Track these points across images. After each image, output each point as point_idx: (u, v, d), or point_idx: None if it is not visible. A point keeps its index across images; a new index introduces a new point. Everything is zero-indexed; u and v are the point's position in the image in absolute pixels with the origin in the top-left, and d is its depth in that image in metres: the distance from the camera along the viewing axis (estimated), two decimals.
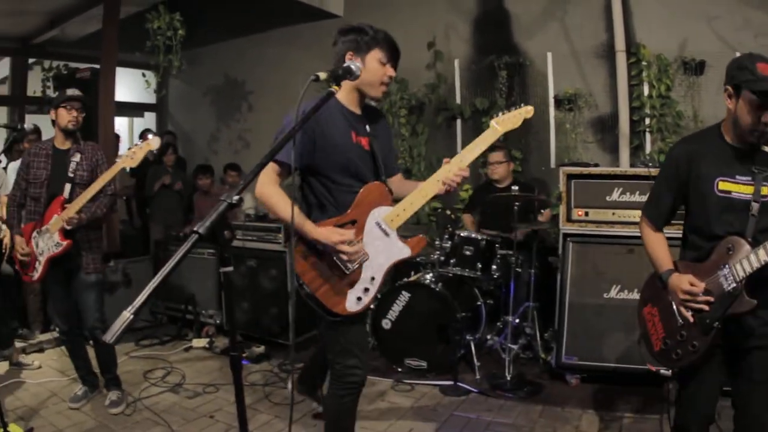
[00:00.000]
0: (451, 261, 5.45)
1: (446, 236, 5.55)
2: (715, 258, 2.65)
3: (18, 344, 5.73)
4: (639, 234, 3.00)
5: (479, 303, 5.54)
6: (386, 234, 2.94)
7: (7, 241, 5.07)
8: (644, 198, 3.08)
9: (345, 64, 2.47)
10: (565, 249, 5.01)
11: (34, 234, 4.42)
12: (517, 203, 5.15)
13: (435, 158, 7.13)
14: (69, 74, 8.50)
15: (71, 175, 4.40)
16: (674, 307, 2.75)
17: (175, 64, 7.55)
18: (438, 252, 5.53)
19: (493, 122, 2.97)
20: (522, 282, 5.66)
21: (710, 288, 2.61)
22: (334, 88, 2.38)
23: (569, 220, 5.02)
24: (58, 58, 9.02)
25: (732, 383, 2.75)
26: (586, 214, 4.98)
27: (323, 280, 2.87)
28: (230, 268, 1.98)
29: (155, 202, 8.23)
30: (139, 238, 8.51)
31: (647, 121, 6.23)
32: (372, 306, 5.16)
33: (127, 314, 1.55)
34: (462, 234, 5.51)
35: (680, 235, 2.93)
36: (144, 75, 8.59)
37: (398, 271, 6.02)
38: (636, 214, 3.91)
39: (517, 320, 5.51)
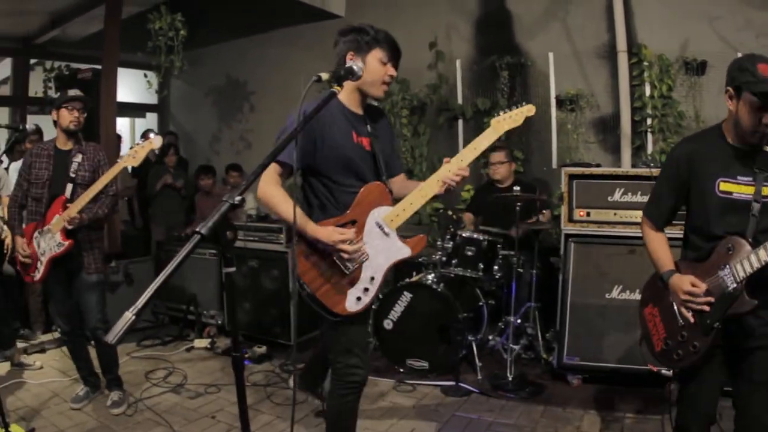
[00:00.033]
0: (453, 261, 5.45)
1: (448, 237, 5.55)
2: (716, 258, 2.65)
3: (20, 345, 5.74)
4: (641, 234, 3.00)
5: (481, 303, 5.54)
6: (386, 234, 2.94)
7: (8, 241, 5.07)
8: (646, 198, 3.08)
9: (347, 65, 2.47)
10: (567, 249, 5.00)
11: (36, 234, 4.43)
12: (519, 203, 5.15)
13: (437, 158, 7.13)
14: (70, 75, 8.49)
15: (73, 175, 4.40)
16: (675, 307, 2.75)
17: (176, 64, 7.55)
18: (440, 252, 5.52)
19: (493, 121, 2.98)
20: (524, 282, 5.65)
21: (711, 288, 2.61)
22: (336, 88, 2.38)
23: (571, 220, 5.02)
24: (59, 58, 9.02)
25: (732, 384, 2.75)
26: (588, 214, 4.97)
27: (323, 280, 2.87)
28: (233, 269, 1.98)
29: (157, 203, 8.24)
30: (141, 239, 8.51)
31: (649, 121, 6.22)
32: (374, 306, 5.16)
33: (129, 315, 1.56)
34: (464, 234, 5.50)
35: (681, 236, 2.93)
36: (146, 75, 8.60)
37: (400, 271, 6.04)
38: (638, 215, 3.92)
39: (519, 320, 5.51)
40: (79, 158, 4.45)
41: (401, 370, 5.32)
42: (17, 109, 9.15)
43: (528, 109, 2.97)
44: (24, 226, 4.55)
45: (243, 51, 9.25)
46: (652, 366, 2.96)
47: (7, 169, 5.96)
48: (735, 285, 2.54)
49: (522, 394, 4.80)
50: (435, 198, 2.99)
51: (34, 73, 9.26)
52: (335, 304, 2.87)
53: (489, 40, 7.21)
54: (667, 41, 6.12)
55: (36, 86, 9.07)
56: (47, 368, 5.50)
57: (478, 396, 4.84)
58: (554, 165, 6.77)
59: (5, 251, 5.20)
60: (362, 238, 2.90)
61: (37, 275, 4.47)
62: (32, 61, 9.29)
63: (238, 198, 1.80)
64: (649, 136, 6.26)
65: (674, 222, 2.91)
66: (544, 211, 5.87)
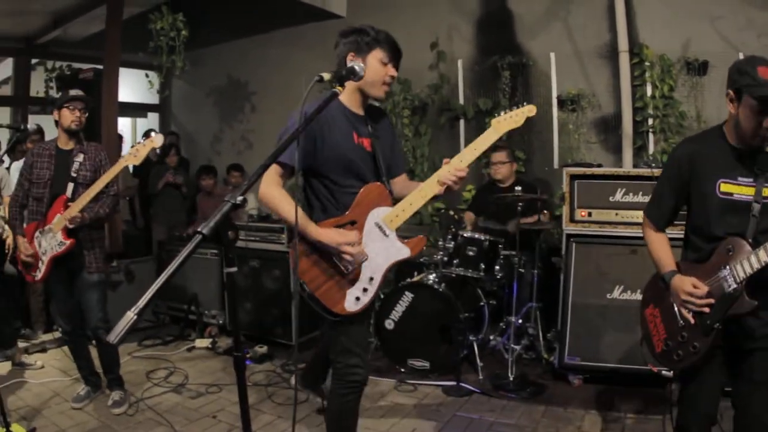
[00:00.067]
0: (454, 261, 5.45)
1: (449, 237, 5.55)
2: (716, 259, 2.64)
3: (21, 344, 5.75)
4: (642, 234, 3.00)
5: (482, 303, 5.54)
6: (385, 234, 2.94)
7: (10, 241, 5.07)
8: (647, 199, 3.08)
9: (348, 65, 2.47)
10: (568, 249, 5.00)
11: (37, 234, 4.43)
12: (520, 203, 5.15)
13: (438, 158, 7.11)
14: (72, 75, 8.51)
15: (74, 174, 4.40)
16: (675, 308, 2.75)
17: (178, 64, 7.56)
18: (441, 252, 5.52)
19: (494, 122, 2.97)
20: (525, 282, 5.65)
21: (711, 289, 2.61)
22: (338, 88, 2.38)
23: (572, 220, 5.02)
24: (61, 58, 9.03)
25: (732, 384, 2.75)
26: (589, 214, 4.97)
27: (323, 280, 2.87)
28: (234, 269, 1.98)
29: (158, 202, 8.24)
30: (142, 239, 8.52)
31: (650, 121, 6.22)
32: (376, 306, 5.16)
33: (130, 315, 1.56)
34: (465, 234, 5.50)
35: (682, 236, 2.92)
36: (147, 75, 8.60)
37: (401, 271, 6.04)
38: (639, 215, 3.91)
39: (520, 321, 5.51)
40: (80, 158, 4.45)
41: (402, 370, 5.32)
42: (19, 109, 9.17)
43: (529, 110, 2.97)
44: (25, 225, 4.55)
45: (244, 51, 9.25)
46: (652, 367, 2.96)
47: (8, 168, 5.96)
48: (735, 286, 2.53)
49: (523, 394, 4.80)
50: (435, 198, 2.98)
51: (36, 73, 9.27)
52: (334, 303, 2.87)
53: (490, 40, 7.21)
54: (669, 41, 6.12)
55: (37, 86, 9.08)
56: (48, 368, 5.50)
57: (479, 396, 4.84)
58: (556, 165, 6.77)
59: (6, 251, 5.20)
60: (362, 238, 2.90)
61: (39, 275, 4.47)
62: (34, 61, 9.30)
63: (239, 198, 1.81)
64: (651, 137, 6.26)
65: (675, 222, 2.91)
66: (545, 211, 5.87)
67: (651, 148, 6.23)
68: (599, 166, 5.31)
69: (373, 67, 2.89)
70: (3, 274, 5.51)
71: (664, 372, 2.98)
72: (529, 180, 6.47)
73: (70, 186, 4.38)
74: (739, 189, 2.61)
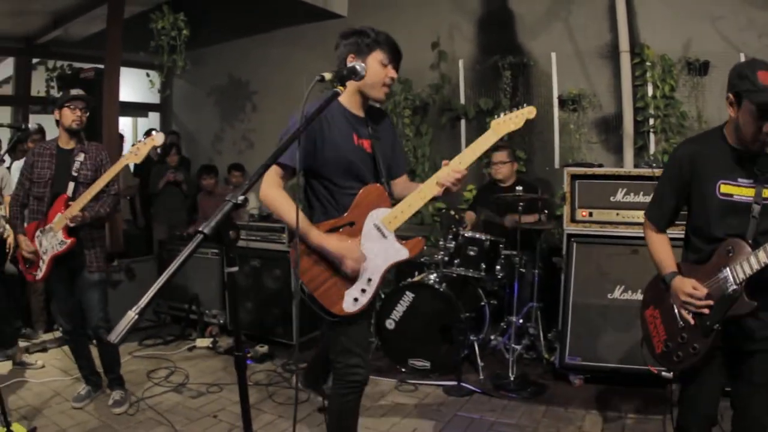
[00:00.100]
0: (455, 261, 5.45)
1: (450, 236, 5.55)
2: (716, 260, 2.64)
3: (21, 344, 5.74)
4: (643, 234, 3.00)
5: (483, 303, 5.54)
6: (384, 236, 2.94)
7: (10, 240, 5.08)
8: (648, 199, 3.08)
9: (350, 65, 2.47)
10: (569, 249, 5.00)
11: (38, 233, 4.43)
12: (521, 203, 5.15)
13: (439, 158, 7.07)
14: (73, 74, 8.51)
15: (75, 174, 4.41)
16: (675, 309, 2.75)
17: (179, 64, 7.56)
18: (442, 252, 5.52)
19: (493, 123, 2.97)
20: (526, 282, 5.65)
21: (711, 290, 2.61)
22: (339, 88, 2.38)
23: (573, 220, 5.02)
24: (61, 58, 9.03)
25: (732, 385, 2.75)
26: (590, 214, 4.97)
27: (322, 281, 2.88)
28: (235, 269, 1.99)
29: (159, 201, 8.25)
30: (143, 238, 8.53)
31: (651, 121, 6.22)
32: (376, 306, 5.16)
33: (132, 314, 1.56)
34: (466, 234, 5.50)
35: (682, 236, 2.92)
36: (148, 75, 8.61)
37: (402, 271, 6.04)
38: (640, 215, 3.91)
39: (521, 320, 5.50)
40: (81, 157, 4.45)
41: (403, 369, 5.32)
42: (20, 109, 9.18)
43: (528, 111, 2.96)
44: (26, 225, 4.56)
45: (245, 51, 9.25)
46: (652, 368, 2.96)
47: (9, 168, 5.97)
48: (735, 287, 2.53)
49: (524, 394, 4.80)
50: (435, 199, 2.99)
51: (37, 72, 9.28)
52: (333, 304, 2.87)
53: (491, 39, 7.21)
54: (670, 41, 6.11)
55: (38, 86, 9.09)
56: (49, 367, 5.50)
57: (480, 396, 4.84)
58: (556, 165, 6.76)
59: (7, 250, 5.20)
60: (361, 239, 2.90)
61: (39, 274, 4.48)
62: (34, 60, 9.30)
63: (241, 198, 1.81)
64: (652, 137, 6.25)
65: (677, 222, 2.91)
66: (545, 211, 5.87)
67: (652, 148, 6.23)
68: (600, 166, 5.30)
69: (373, 68, 2.89)
70: (4, 273, 5.51)
71: (663, 373, 2.98)
72: (530, 180, 6.47)
73: (71, 185, 4.39)
74: (739, 190, 2.61)
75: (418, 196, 2.94)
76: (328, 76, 2.39)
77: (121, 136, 8.31)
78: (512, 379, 4.95)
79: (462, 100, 7.34)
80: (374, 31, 2.95)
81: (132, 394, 4.79)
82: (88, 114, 4.53)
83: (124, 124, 10.97)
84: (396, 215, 2.94)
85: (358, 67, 2.44)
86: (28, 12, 7.86)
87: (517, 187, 5.33)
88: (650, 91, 6.20)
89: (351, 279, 2.89)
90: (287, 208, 2.78)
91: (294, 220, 2.61)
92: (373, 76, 2.90)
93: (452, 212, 5.86)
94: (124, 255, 6.95)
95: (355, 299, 2.89)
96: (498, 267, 5.54)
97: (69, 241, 4.32)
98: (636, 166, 6.06)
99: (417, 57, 7.15)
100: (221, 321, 6.51)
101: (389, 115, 3.36)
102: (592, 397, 4.74)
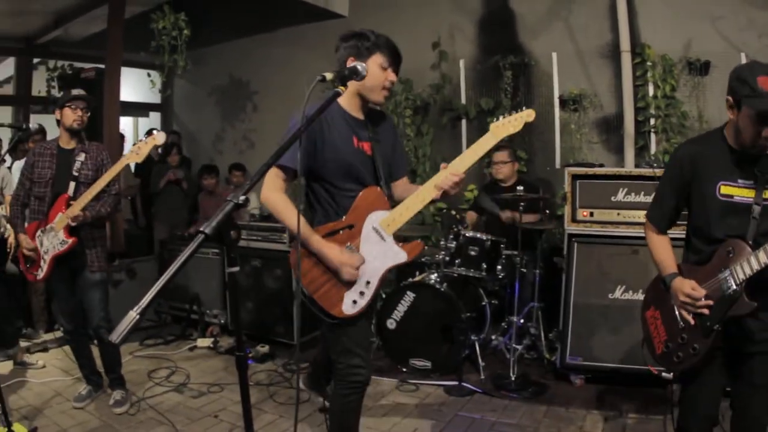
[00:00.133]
0: (456, 261, 5.45)
1: (451, 236, 5.54)
2: (716, 261, 2.65)
3: (22, 344, 5.75)
4: (644, 235, 3.00)
5: (484, 303, 5.54)
6: (383, 239, 2.94)
7: (11, 240, 5.08)
8: (649, 198, 3.08)
9: (351, 65, 2.47)
10: (570, 249, 5.00)
11: (39, 233, 4.44)
12: (522, 203, 5.15)
13: (440, 158, 7.05)
14: (74, 74, 8.50)
15: (76, 173, 4.41)
16: (676, 310, 2.75)
17: (180, 64, 7.55)
18: (443, 252, 5.52)
19: (492, 126, 2.97)
20: (527, 282, 5.66)
21: (711, 291, 2.61)
22: (341, 88, 2.38)
23: (574, 220, 5.01)
24: (62, 57, 9.02)
25: (732, 385, 2.76)
26: (591, 214, 4.97)
27: (321, 283, 2.89)
28: (236, 269, 1.98)
29: (160, 200, 8.26)
30: (144, 238, 8.53)
31: (652, 121, 6.21)
32: (377, 306, 5.16)
33: (133, 314, 1.56)
34: (467, 234, 5.50)
35: (683, 236, 2.93)
36: (149, 75, 8.60)
37: (403, 271, 6.03)
38: (641, 215, 3.91)
39: (522, 320, 5.50)
40: (82, 157, 4.45)
41: (404, 369, 5.32)
42: (20, 109, 9.17)
43: (527, 115, 2.94)
44: (26, 224, 4.56)
45: (246, 51, 9.25)
46: (652, 369, 2.96)
47: (10, 168, 5.97)
48: (735, 287, 2.53)
49: (525, 394, 4.80)
50: (432, 202, 3.00)
51: (37, 72, 9.27)
52: (332, 306, 2.88)
53: (492, 39, 7.20)
54: (671, 41, 6.11)
55: (39, 85, 9.08)
56: (50, 367, 5.51)
57: (481, 396, 4.84)
58: (557, 165, 6.76)
59: (9, 250, 5.20)
60: (359, 242, 2.91)
61: (41, 274, 4.48)
62: (35, 60, 9.29)
63: (242, 198, 1.81)
64: (653, 137, 6.25)
65: (678, 222, 2.91)
66: (547, 211, 5.87)
67: (653, 148, 6.23)
68: (601, 166, 5.30)
69: (373, 72, 2.88)
70: (5, 273, 5.51)
71: (664, 374, 2.98)
72: (531, 180, 6.47)
73: (72, 185, 4.39)
74: (739, 191, 2.61)
75: (416, 199, 2.94)
76: (329, 76, 2.39)
77: (122, 136, 8.32)
78: (513, 379, 4.95)
79: (463, 100, 7.33)
80: (374, 34, 2.95)
81: (133, 394, 4.79)
82: (89, 114, 4.54)
83: (125, 124, 10.97)
84: (394, 218, 2.94)
85: (359, 67, 2.44)
86: (29, 12, 7.85)
87: (518, 187, 5.33)
88: (651, 91, 6.20)
89: (349, 281, 2.90)
90: (289, 213, 2.80)
91: (295, 225, 2.62)
92: (373, 79, 2.90)
93: (453, 212, 5.86)
94: (125, 255, 6.95)
95: (354, 301, 2.90)
96: (499, 267, 5.54)
97: (70, 240, 4.33)
98: (637, 166, 6.05)
99: (418, 57, 7.15)
100: (222, 321, 6.51)
101: (391, 117, 3.36)
102: (593, 397, 4.74)
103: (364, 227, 2.93)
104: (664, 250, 2.86)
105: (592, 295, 4.90)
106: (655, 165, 4.92)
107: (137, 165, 5.21)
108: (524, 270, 5.58)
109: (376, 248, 2.93)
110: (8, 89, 9.63)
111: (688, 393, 2.80)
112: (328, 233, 2.90)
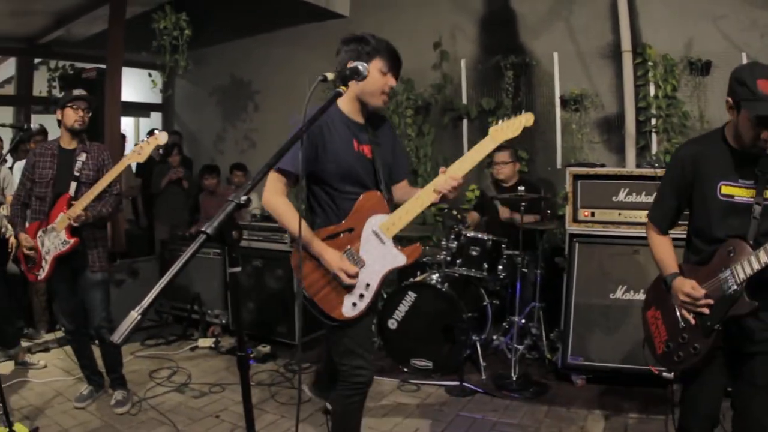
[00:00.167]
0: (458, 261, 5.45)
1: (452, 236, 5.54)
2: (717, 261, 2.65)
3: (24, 344, 5.76)
4: (645, 234, 3.00)
5: (485, 303, 5.54)
6: (382, 242, 2.95)
7: (12, 240, 5.08)
8: (650, 198, 3.08)
9: (352, 65, 2.47)
10: (571, 249, 5.00)
11: (40, 233, 4.44)
12: (523, 203, 5.15)
13: (441, 158, 7.11)
14: (75, 74, 8.51)
15: (77, 174, 4.41)
16: (676, 310, 2.75)
17: (181, 64, 7.55)
18: (444, 252, 5.52)
19: (491, 130, 2.96)
20: (528, 282, 5.66)
21: (712, 290, 2.61)
22: (342, 88, 2.38)
23: (575, 220, 5.01)
24: (64, 58, 9.03)
25: (733, 385, 2.76)
26: (593, 214, 4.97)
27: (321, 286, 2.90)
28: (238, 269, 1.98)
29: (162, 200, 8.26)
30: (145, 238, 8.52)
31: (653, 121, 6.21)
32: (378, 306, 5.16)
33: (135, 314, 1.55)
34: (468, 234, 5.50)
35: (684, 236, 2.93)
36: (150, 75, 8.59)
37: (404, 271, 6.01)
38: (642, 215, 3.92)
39: (523, 320, 5.50)
40: (83, 157, 4.46)
41: (405, 369, 5.32)
42: (22, 109, 9.17)
43: (526, 119, 2.94)
44: (27, 225, 4.56)
45: (247, 50, 9.25)
46: (653, 369, 2.96)
47: (11, 168, 5.97)
48: (735, 287, 2.53)
49: (526, 394, 4.80)
50: (432, 205, 3.01)
51: (39, 72, 9.28)
52: (332, 308, 2.89)
53: (493, 39, 7.20)
54: (672, 41, 6.11)
55: (40, 86, 9.08)
56: (51, 367, 5.51)
57: (482, 396, 4.84)
58: (559, 165, 6.76)
59: (9, 250, 5.21)
60: (359, 245, 2.92)
61: (42, 274, 4.48)
62: (36, 60, 9.29)
63: (243, 198, 1.81)
64: (654, 136, 6.25)
65: (679, 222, 2.91)
66: (548, 211, 5.87)
67: (654, 148, 6.23)
68: (602, 166, 5.30)
69: (373, 76, 2.88)
70: (6, 273, 5.52)
71: (665, 374, 2.98)
72: (532, 180, 6.47)
73: (73, 185, 4.39)
74: (739, 191, 2.61)
75: (416, 202, 2.95)
76: (330, 76, 2.39)
77: (123, 136, 8.32)
78: (514, 379, 4.96)
79: (464, 100, 7.33)
80: (375, 38, 2.95)
81: (134, 394, 4.79)
82: (90, 114, 4.54)
83: (126, 124, 10.98)
84: (394, 221, 2.95)
85: (360, 67, 2.44)
86: (30, 12, 7.85)
87: (519, 187, 5.33)
88: (652, 91, 6.20)
89: (349, 284, 2.90)
90: (290, 217, 2.83)
91: (296, 229, 2.63)
92: (373, 83, 2.90)
93: (454, 212, 5.86)
94: (127, 255, 6.96)
95: (354, 304, 2.91)
96: (500, 267, 5.54)
97: (72, 240, 4.33)
98: (638, 166, 6.05)
99: (419, 57, 7.15)
100: (223, 321, 6.51)
101: (390, 120, 3.36)
102: (594, 397, 4.74)
103: (364, 230, 2.94)
104: (665, 251, 2.87)
105: (594, 295, 4.90)
106: (656, 165, 4.92)
107: (138, 165, 5.21)
108: (525, 270, 5.59)
109: (375, 251, 2.94)
110: (9, 89, 9.65)
111: (689, 393, 2.80)
112: (329, 236, 2.91)
